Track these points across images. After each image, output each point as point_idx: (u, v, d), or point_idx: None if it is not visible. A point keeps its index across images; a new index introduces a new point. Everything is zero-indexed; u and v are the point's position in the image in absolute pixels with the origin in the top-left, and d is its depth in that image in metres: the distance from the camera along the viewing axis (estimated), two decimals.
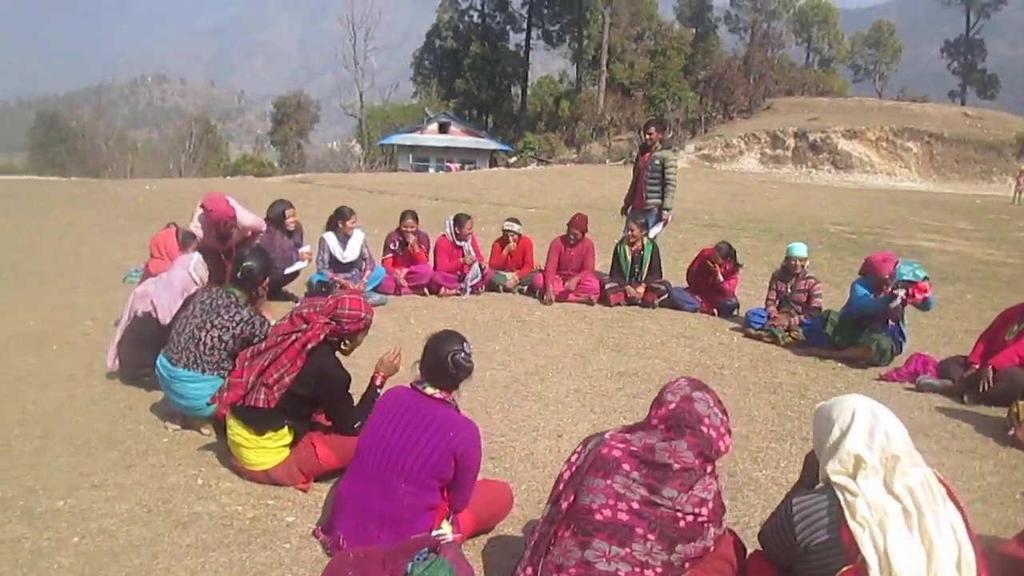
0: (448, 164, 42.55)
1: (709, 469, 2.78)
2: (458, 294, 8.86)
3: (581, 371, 6.46)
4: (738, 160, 39.80)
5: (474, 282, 8.92)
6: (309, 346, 3.89)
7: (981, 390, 5.99)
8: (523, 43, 63.24)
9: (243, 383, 3.92)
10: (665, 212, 9.64)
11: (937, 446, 5.27)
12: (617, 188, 24.15)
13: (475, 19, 66.00)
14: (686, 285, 9.09)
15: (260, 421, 3.92)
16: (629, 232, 9.05)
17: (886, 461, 2.64)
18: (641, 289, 8.89)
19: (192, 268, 5.26)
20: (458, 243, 8.99)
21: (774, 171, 38.20)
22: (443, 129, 48.31)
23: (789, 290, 8.02)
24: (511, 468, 4.46)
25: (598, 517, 2.72)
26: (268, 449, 3.97)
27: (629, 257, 9.03)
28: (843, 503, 2.62)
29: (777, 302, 8.07)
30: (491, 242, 9.71)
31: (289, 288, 8.37)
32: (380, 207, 16.45)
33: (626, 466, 2.76)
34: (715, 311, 8.68)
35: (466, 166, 42.43)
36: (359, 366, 4.95)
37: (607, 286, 8.90)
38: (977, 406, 6.00)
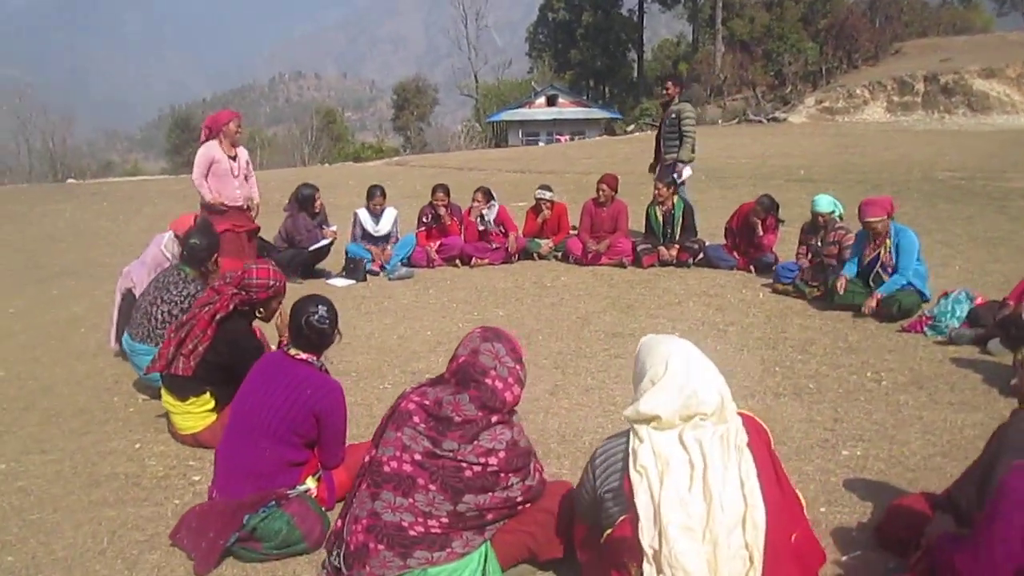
0: (557, 136, 42.35)
1: (495, 419, 2.72)
2: (491, 263, 8.90)
3: (575, 333, 6.38)
4: (862, 111, 37.40)
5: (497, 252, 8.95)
6: (218, 316, 4.06)
7: (1010, 334, 5.50)
8: (636, 8, 61.78)
9: (167, 353, 4.14)
10: (680, 164, 9.37)
11: (928, 399, 4.91)
12: (715, 149, 23.56)
13: None
14: (724, 242, 8.75)
15: (182, 388, 4.13)
16: (656, 192, 8.78)
17: (686, 419, 2.51)
18: (674, 250, 8.62)
19: (163, 245, 5.55)
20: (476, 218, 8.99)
21: (902, 119, 35.67)
22: (551, 102, 48.06)
23: (819, 243, 7.57)
24: None
25: (386, 468, 2.73)
26: (193, 414, 4.18)
27: (660, 218, 8.78)
28: (630, 449, 2.52)
29: (809, 255, 7.65)
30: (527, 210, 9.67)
31: (323, 265, 8.65)
32: (461, 183, 16.66)
33: (416, 419, 2.75)
34: (751, 268, 8.32)
35: (576, 137, 42.12)
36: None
37: (639, 248, 8.69)
38: (1003, 353, 5.51)
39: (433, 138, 70.19)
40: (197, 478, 3.85)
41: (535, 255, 9.17)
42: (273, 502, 3.17)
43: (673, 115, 9.44)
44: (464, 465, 2.68)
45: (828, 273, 7.17)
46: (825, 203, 7.62)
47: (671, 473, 2.40)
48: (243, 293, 4.12)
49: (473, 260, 8.90)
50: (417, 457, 2.70)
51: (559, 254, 9.16)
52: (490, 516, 2.77)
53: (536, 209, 9.31)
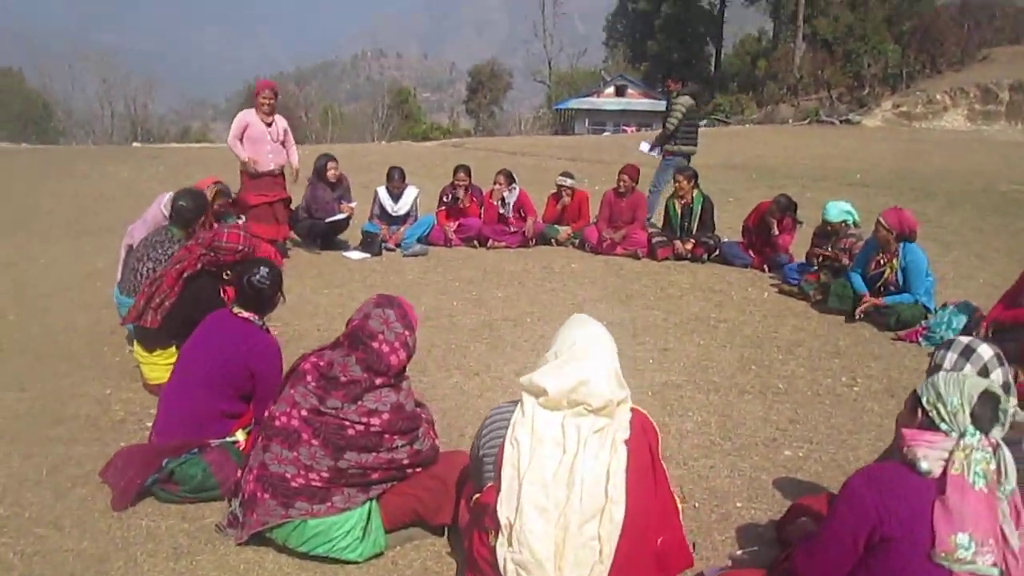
0: (624, 127, 41.98)
1: (379, 382, 2.84)
2: (508, 246, 9.00)
3: (564, 319, 6.42)
4: (941, 117, 36.04)
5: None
6: (186, 274, 4.27)
7: None
8: (717, 1, 60.68)
9: (138, 305, 4.37)
10: (645, 145, 10.39)
11: (896, 407, 4.78)
12: (777, 149, 23.15)
13: None
14: (741, 240, 8.68)
15: (150, 340, 4.36)
16: (676, 184, 8.73)
17: (573, 404, 2.52)
18: (690, 244, 8.58)
19: (163, 205, 5.78)
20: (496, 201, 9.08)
21: (983, 128, 34.25)
22: (620, 92, 47.64)
23: (829, 249, 7.45)
24: None
25: (277, 423, 2.88)
26: (159, 365, 4.40)
27: (679, 211, 8.74)
28: (512, 420, 2.57)
29: (820, 259, 7.53)
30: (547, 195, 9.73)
31: (343, 236, 8.88)
32: (512, 167, 16.78)
33: (308, 378, 2.88)
34: (765, 267, 8.23)
35: (643, 129, 41.68)
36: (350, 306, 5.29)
37: (654, 240, 8.67)
38: None
39: (505, 122, 70.30)
40: (151, 424, 4.06)
41: (553, 241, 9.23)
42: (196, 449, 3.34)
43: (667, 107, 10.00)
44: (347, 423, 2.81)
45: (833, 277, 7.08)
46: (834, 213, 7.47)
47: (541, 453, 2.45)
48: (211, 254, 4.32)
49: (490, 242, 9.01)
50: (304, 413, 2.84)
51: (577, 241, 9.19)
52: (375, 476, 2.89)
53: (557, 195, 9.36)
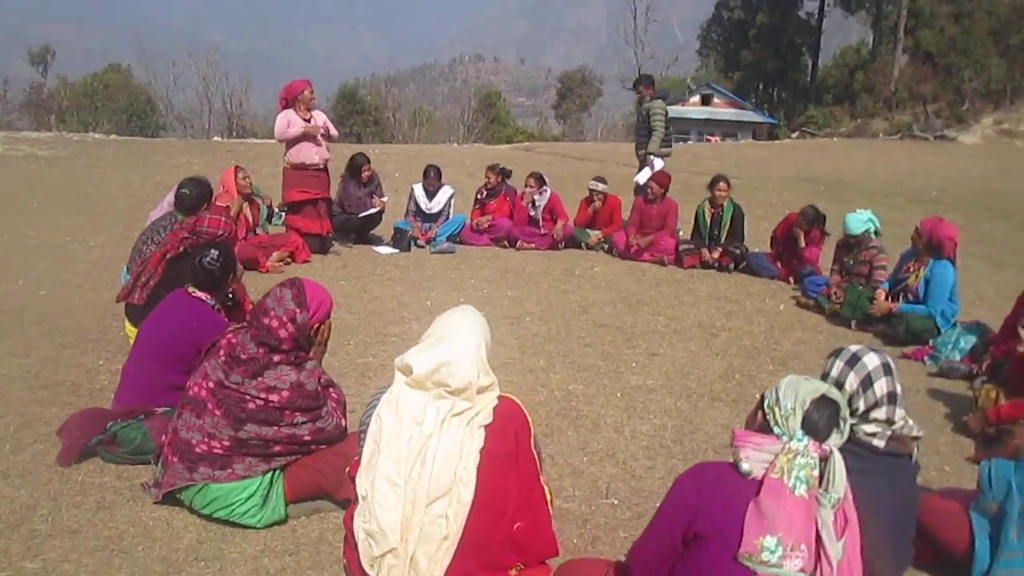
0: (708, 137, 41.41)
1: (276, 359, 3.00)
2: (537, 248, 9.10)
3: (564, 320, 6.50)
4: None
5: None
6: (168, 255, 4.55)
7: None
8: (816, 11, 59.12)
9: (129, 284, 4.69)
10: (649, 157, 9.71)
11: None
12: (857, 163, 22.51)
13: None
14: (770, 250, 8.56)
15: (136, 316, 4.64)
16: (717, 191, 8.60)
17: (437, 384, 2.59)
18: (717, 252, 8.51)
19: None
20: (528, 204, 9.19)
21: None
22: (706, 101, 46.98)
23: (852, 262, 7.28)
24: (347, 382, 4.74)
25: (190, 392, 3.08)
26: None
27: (708, 219, 8.67)
28: (384, 396, 2.68)
29: (840, 272, 7.38)
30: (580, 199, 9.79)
31: (378, 232, 9.16)
32: (571, 170, 16.87)
33: (221, 352, 3.08)
34: (791, 279, 8.10)
35: (727, 138, 41.06)
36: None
37: (681, 247, 8.64)
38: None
39: (596, 128, 70.13)
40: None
41: (583, 245, 9.29)
42: (142, 416, 3.59)
43: (644, 112, 9.88)
44: (248, 398, 2.99)
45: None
46: (855, 224, 7.29)
47: (399, 430, 2.55)
48: (193, 238, 4.58)
49: (519, 243, 9.14)
50: (211, 385, 3.03)
51: (606, 246, 9.22)
52: (277, 448, 3.06)
53: (589, 200, 9.41)
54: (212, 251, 3.87)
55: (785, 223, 8.34)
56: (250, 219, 7.96)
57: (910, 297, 6.38)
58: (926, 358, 5.90)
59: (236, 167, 7.73)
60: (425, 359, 2.58)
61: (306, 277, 3.28)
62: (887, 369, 2.75)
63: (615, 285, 7.77)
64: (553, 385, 5.07)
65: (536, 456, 2.76)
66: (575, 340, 6.01)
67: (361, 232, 8.93)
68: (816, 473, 2.20)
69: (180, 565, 2.85)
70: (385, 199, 9.01)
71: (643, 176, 9.64)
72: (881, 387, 2.72)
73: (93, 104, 39.09)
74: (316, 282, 3.25)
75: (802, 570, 2.12)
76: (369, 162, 8.89)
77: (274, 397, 2.99)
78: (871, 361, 2.75)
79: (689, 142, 39.60)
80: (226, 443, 3.00)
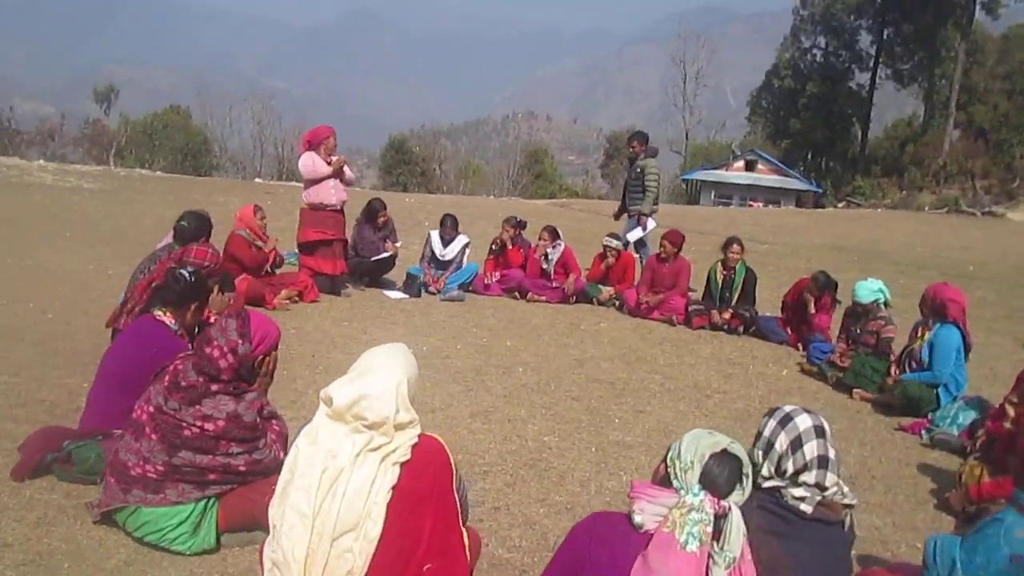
0: (750, 202, 41.30)
1: (215, 388, 3.04)
2: (548, 301, 9.11)
3: (556, 373, 6.46)
4: None
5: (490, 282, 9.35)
6: (153, 284, 4.66)
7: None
8: (867, 83, 59.13)
9: (118, 311, 4.81)
10: (643, 216, 10.01)
11: None
12: (898, 235, 22.22)
13: (818, 58, 63.00)
14: (781, 316, 8.46)
15: None
16: (730, 252, 8.55)
17: (356, 417, 2.59)
18: (727, 314, 8.43)
19: None
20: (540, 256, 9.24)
21: None
22: (750, 166, 46.90)
23: (859, 331, 7.16)
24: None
25: (133, 415, 3.13)
26: None
27: (720, 280, 8.61)
28: (305, 427, 2.70)
29: (847, 341, 7.25)
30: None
31: (391, 277, 9.27)
32: (603, 227, 16.95)
33: (166, 378, 3.13)
34: (799, 345, 7.97)
35: (770, 205, 40.91)
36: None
37: (691, 308, 8.58)
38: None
39: None
40: None
41: (594, 300, 9.27)
42: (99, 436, 3.64)
43: (638, 170, 10.07)
44: (184, 424, 3.02)
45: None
46: (864, 293, 7.18)
47: (314, 460, 2.57)
48: (179, 267, 4.69)
49: (529, 294, 9.16)
50: (151, 410, 3.08)
51: (617, 303, 9.19)
52: (211, 476, 3.08)
53: (603, 255, 9.42)
54: (184, 270, 3.96)
55: (796, 288, 8.24)
56: (281, 255, 8.21)
57: (914, 364, 6.25)
58: (923, 432, 5.74)
59: (255, 206, 7.92)
60: (346, 392, 2.59)
61: (255, 311, 3.34)
62: (819, 432, 2.69)
63: (618, 341, 7.73)
64: (528, 435, 5.03)
65: (458, 499, 2.74)
66: (563, 393, 5.98)
67: (374, 276, 9.04)
68: (710, 530, 2.15)
69: None
70: (399, 244, 9.13)
71: (634, 235, 9.97)
72: (811, 450, 2.66)
73: (152, 142, 40.46)
74: (265, 315, 3.31)
75: None
76: (385, 208, 9.03)
77: (210, 426, 3.02)
78: (803, 423, 2.70)
79: (731, 206, 39.54)
80: (160, 468, 3.03)
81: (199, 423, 3.02)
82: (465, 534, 2.75)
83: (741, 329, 8.39)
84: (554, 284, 9.22)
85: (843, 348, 7.15)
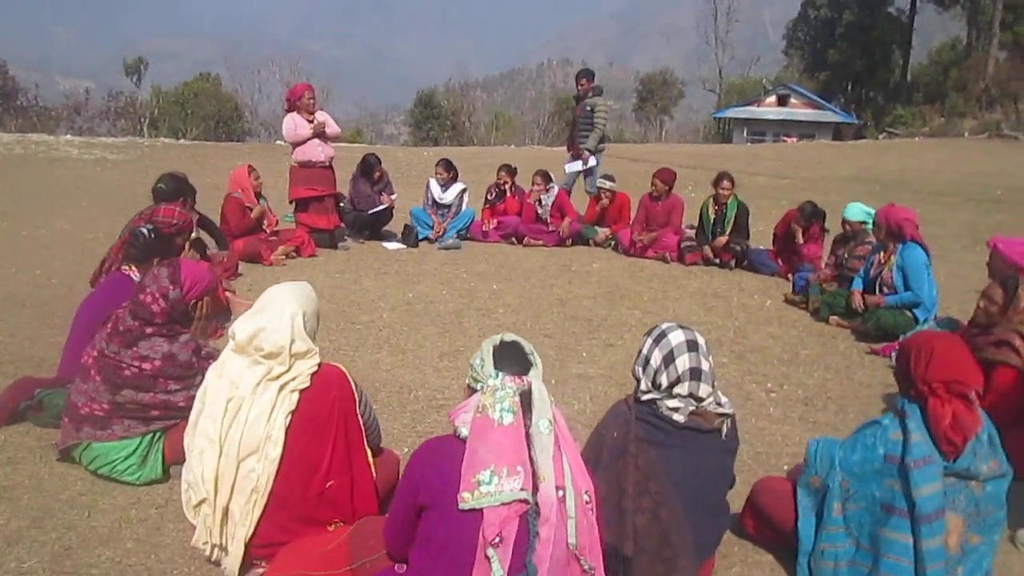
0: (784, 137, 40.44)
1: (149, 331, 3.29)
2: (544, 245, 9.27)
3: (536, 313, 6.64)
4: None
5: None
6: (126, 243, 4.93)
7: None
8: (907, 7, 57.02)
9: (97, 270, 5.10)
10: (585, 152, 10.14)
11: (790, 415, 4.79)
12: (928, 163, 21.75)
13: None
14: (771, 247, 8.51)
15: None
16: (721, 189, 8.56)
17: (257, 349, 2.81)
18: (718, 245, 8.49)
19: None
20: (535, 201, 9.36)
21: None
22: (782, 101, 45.82)
23: (846, 256, 7.20)
24: None
25: (82, 360, 3.41)
26: None
27: (712, 216, 8.66)
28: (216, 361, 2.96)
29: (835, 266, 7.30)
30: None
31: (391, 228, 9.50)
32: (626, 170, 16.94)
33: (108, 325, 3.39)
34: (790, 276, 8.02)
35: (804, 139, 40.01)
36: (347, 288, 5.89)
37: (683, 244, 8.66)
38: None
39: (678, 130, 69.22)
40: None
41: (591, 241, 9.40)
42: (68, 384, 3.94)
43: (588, 107, 10.19)
44: (123, 365, 3.30)
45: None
46: (855, 211, 7.22)
47: (220, 391, 2.83)
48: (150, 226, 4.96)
49: (526, 239, 9.31)
50: (95, 354, 3.36)
51: (613, 243, 9.31)
52: (154, 413, 3.35)
53: (597, 197, 9.51)
54: (145, 227, 4.22)
55: (785, 219, 8.27)
56: (276, 217, 8.46)
57: (886, 291, 6.30)
58: (893, 353, 5.81)
59: (249, 166, 8.15)
60: (245, 327, 2.82)
61: (186, 259, 3.57)
62: (691, 346, 2.84)
63: (606, 280, 7.87)
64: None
65: (363, 422, 2.97)
66: (538, 331, 6.17)
67: (373, 229, 9.27)
68: (517, 399, 2.32)
69: (54, 511, 3.18)
70: (394, 196, 9.32)
71: (572, 167, 10.29)
72: (683, 363, 2.81)
73: (184, 111, 41.02)
74: (196, 263, 3.55)
75: (523, 488, 2.22)
76: (380, 163, 9.22)
77: (147, 366, 3.29)
78: (675, 338, 2.85)
79: (764, 143, 38.80)
80: (105, 406, 3.31)
81: (137, 363, 3.29)
82: (369, 454, 2.98)
83: (733, 263, 8.47)
84: (550, 228, 9.36)
85: (828, 274, 7.21)
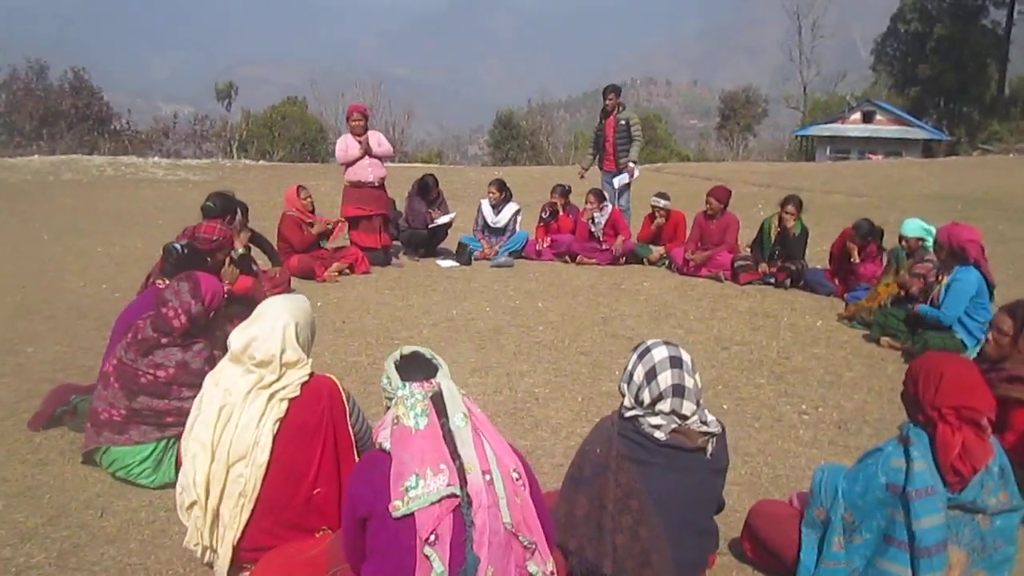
0: (869, 155, 39.14)
1: (164, 341, 3.44)
2: (597, 263, 9.25)
3: (576, 331, 6.62)
4: None
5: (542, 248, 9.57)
6: None
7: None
8: (1003, 19, 54.87)
9: (144, 282, 5.35)
10: (631, 164, 10.12)
11: (820, 438, 4.65)
12: (1018, 179, 20.79)
13: None
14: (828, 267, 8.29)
15: None
16: (785, 213, 8.33)
17: (250, 359, 2.93)
18: (774, 268, 8.31)
19: None
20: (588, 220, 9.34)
21: None
22: (867, 118, 44.42)
23: (905, 274, 6.96)
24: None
25: (102, 368, 3.59)
26: None
27: (772, 236, 8.45)
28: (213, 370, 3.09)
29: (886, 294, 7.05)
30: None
31: (447, 245, 9.65)
32: (696, 191, 16.77)
33: (129, 335, 3.56)
34: (846, 296, 7.79)
35: (890, 156, 38.66)
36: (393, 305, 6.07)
37: (737, 263, 8.51)
38: None
39: (761, 148, 67.92)
40: None
41: (645, 260, 9.33)
42: None
43: (623, 122, 10.14)
44: (140, 373, 3.45)
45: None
46: (912, 227, 6.99)
47: (214, 398, 2.94)
48: (191, 241, 5.18)
49: (579, 258, 9.31)
50: (115, 362, 3.53)
51: (667, 262, 9.21)
52: (169, 419, 3.50)
53: (652, 216, 9.44)
54: (178, 243, 4.42)
55: (841, 238, 8.04)
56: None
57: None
58: None
59: (299, 187, 8.40)
60: (240, 337, 2.93)
61: (203, 273, 3.71)
62: (675, 362, 2.81)
63: (654, 299, 7.79)
64: (521, 387, 5.27)
65: (353, 432, 3.03)
66: (575, 349, 6.16)
67: (428, 246, 9.43)
68: (430, 403, 2.36)
69: (70, 510, 3.36)
70: (453, 215, 9.46)
71: (621, 180, 10.17)
72: (666, 379, 2.78)
73: (272, 134, 42.54)
74: (211, 276, 3.69)
75: (449, 484, 2.26)
76: (437, 184, 9.37)
77: (161, 373, 3.44)
78: (659, 354, 2.82)
79: (848, 160, 37.70)
80: (123, 412, 3.47)
81: (152, 371, 3.45)
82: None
83: (788, 282, 8.27)
84: (604, 247, 9.32)
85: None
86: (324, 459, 2.92)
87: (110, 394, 3.49)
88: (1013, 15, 53.87)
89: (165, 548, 3.13)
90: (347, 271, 8.38)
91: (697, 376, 2.86)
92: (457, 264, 9.11)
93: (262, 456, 2.82)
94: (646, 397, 2.80)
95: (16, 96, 27.99)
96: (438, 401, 2.37)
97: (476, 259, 9.28)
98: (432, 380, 2.40)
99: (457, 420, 2.34)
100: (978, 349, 5.32)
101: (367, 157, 8.75)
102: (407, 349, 2.50)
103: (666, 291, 8.13)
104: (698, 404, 2.82)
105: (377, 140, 8.90)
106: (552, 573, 2.37)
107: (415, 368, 2.43)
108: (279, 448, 2.85)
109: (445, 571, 2.19)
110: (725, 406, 5.07)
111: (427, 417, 2.33)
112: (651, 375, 2.80)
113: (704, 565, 2.92)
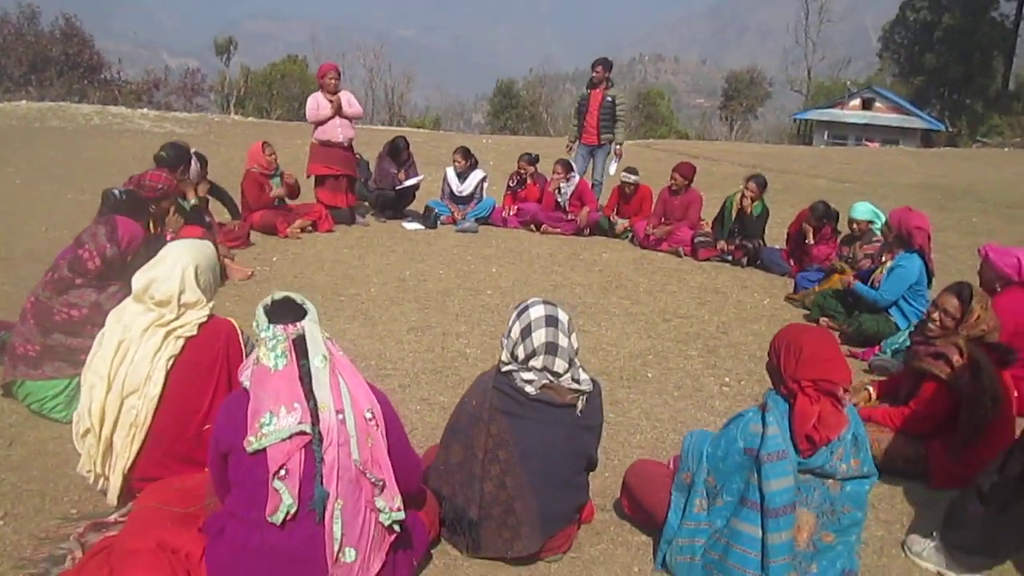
0: (866, 142, 39.06)
1: (79, 281, 3.56)
2: (562, 233, 9.34)
3: (519, 298, 6.64)
4: None
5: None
6: None
7: None
8: (1012, 12, 54.46)
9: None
10: (618, 147, 10.09)
11: (739, 407, 4.75)
12: (1006, 175, 20.84)
13: None
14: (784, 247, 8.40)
15: None
16: (747, 191, 8.41)
17: (149, 298, 3.05)
18: (731, 246, 8.42)
19: None
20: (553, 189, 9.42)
21: None
22: (867, 105, 44.26)
23: (852, 254, 7.09)
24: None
25: (24, 304, 3.70)
26: None
27: (733, 213, 8.55)
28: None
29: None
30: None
31: (415, 207, 9.74)
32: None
33: (48, 273, 3.67)
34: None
35: (887, 144, 38.60)
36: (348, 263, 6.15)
37: (696, 239, 8.61)
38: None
39: (764, 130, 67.66)
40: None
41: (609, 232, 9.42)
42: None
43: (609, 99, 9.97)
44: (55, 311, 3.58)
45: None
46: (862, 211, 7.11)
47: (115, 333, 3.07)
48: (136, 188, 5.27)
49: (544, 227, 9.40)
50: (33, 299, 3.65)
51: (631, 235, 9.31)
52: (82, 357, 3.57)
53: (621, 189, 9.52)
54: (119, 188, 4.51)
55: (797, 219, 8.14)
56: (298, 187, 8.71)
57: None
58: (872, 358, 5.72)
59: (264, 143, 8.45)
60: (142, 277, 3.06)
61: (123, 217, 3.81)
62: (550, 321, 2.93)
63: (609, 270, 7.90)
64: (452, 347, 5.40)
65: None
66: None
67: (396, 208, 9.51)
68: (291, 345, 2.46)
69: None
70: (421, 177, 9.53)
71: (614, 167, 10.05)
72: (539, 337, 2.91)
73: (271, 92, 42.34)
74: (130, 220, 3.79)
75: (300, 421, 2.37)
76: (408, 146, 9.43)
77: (75, 312, 3.57)
78: (536, 312, 2.95)
79: (844, 147, 37.64)
80: (37, 348, 3.60)
81: (66, 310, 3.57)
82: None
83: (745, 261, 8.37)
84: (569, 217, 9.42)
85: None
86: (216, 398, 3.04)
87: (27, 330, 3.61)
88: (1022, 9, 53.45)
89: (64, 477, 3.26)
90: (310, 228, 8.47)
91: (574, 336, 2.98)
92: (422, 227, 9.21)
93: (154, 390, 2.95)
94: (520, 353, 2.92)
95: (7, 40, 27.83)
96: (300, 343, 2.46)
97: (443, 223, 9.38)
98: (298, 323, 2.50)
99: (316, 362, 2.46)
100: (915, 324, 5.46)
101: (337, 117, 8.79)
102: (279, 294, 2.59)
103: (623, 263, 8.24)
104: (571, 363, 2.94)
105: (348, 100, 8.92)
106: (399, 509, 2.50)
107: (284, 312, 2.52)
108: (172, 384, 2.98)
109: (294, 503, 2.33)
110: (650, 374, 5.20)
111: (286, 358, 2.43)
112: (526, 332, 2.92)
113: (571, 517, 3.05)
